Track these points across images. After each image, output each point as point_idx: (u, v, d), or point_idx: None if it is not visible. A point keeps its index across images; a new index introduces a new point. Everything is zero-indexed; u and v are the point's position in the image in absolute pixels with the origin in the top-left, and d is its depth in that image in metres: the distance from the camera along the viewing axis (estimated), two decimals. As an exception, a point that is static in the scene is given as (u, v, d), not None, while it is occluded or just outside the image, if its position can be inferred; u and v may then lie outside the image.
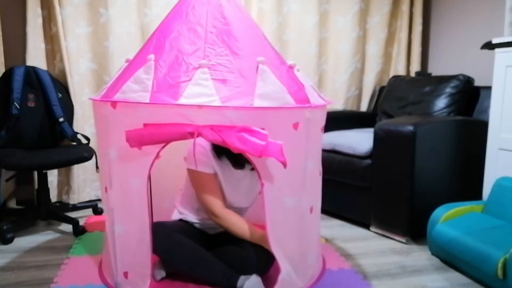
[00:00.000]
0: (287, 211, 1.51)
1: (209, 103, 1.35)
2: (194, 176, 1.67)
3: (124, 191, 1.52)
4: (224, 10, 1.59)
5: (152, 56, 1.47)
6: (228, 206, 1.71)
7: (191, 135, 1.35)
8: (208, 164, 1.65)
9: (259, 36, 1.66)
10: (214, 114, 1.36)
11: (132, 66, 1.54)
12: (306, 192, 1.57)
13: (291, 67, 1.60)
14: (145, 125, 1.38)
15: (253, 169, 1.66)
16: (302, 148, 1.53)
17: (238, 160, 1.67)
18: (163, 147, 1.45)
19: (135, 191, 1.50)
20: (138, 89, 1.42)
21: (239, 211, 1.77)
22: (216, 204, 1.63)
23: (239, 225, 1.61)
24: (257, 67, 1.47)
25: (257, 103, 1.39)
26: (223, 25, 1.56)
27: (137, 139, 1.38)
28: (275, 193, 1.48)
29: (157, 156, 1.45)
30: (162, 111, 1.37)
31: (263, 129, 1.36)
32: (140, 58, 1.54)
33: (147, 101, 1.37)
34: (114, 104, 1.44)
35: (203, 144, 1.64)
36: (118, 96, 1.45)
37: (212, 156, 1.66)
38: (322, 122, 1.67)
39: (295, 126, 1.47)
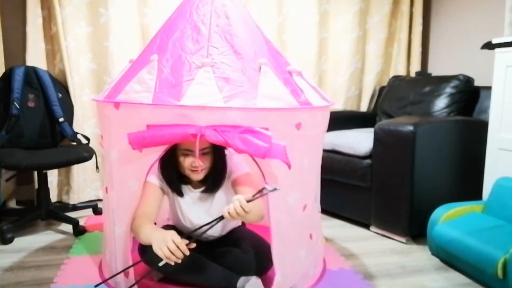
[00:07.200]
0: (290, 209, 1.51)
1: (212, 103, 1.35)
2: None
3: (124, 192, 1.51)
4: (228, 10, 1.58)
5: (155, 56, 1.46)
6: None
7: (194, 136, 1.33)
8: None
9: (261, 38, 1.65)
10: (217, 114, 1.35)
11: (135, 66, 1.53)
12: (303, 190, 1.58)
13: (290, 73, 1.58)
14: (148, 126, 1.37)
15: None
16: (305, 148, 1.53)
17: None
18: (165, 149, 1.45)
19: (133, 192, 1.50)
20: (140, 89, 1.41)
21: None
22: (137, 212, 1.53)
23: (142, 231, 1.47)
24: (260, 68, 1.47)
25: (261, 103, 1.38)
26: (227, 24, 1.55)
27: (139, 141, 1.36)
28: (279, 192, 1.48)
29: (158, 159, 1.44)
30: (164, 112, 1.36)
31: (267, 129, 1.35)
32: (143, 58, 1.54)
33: (150, 101, 1.37)
34: (117, 104, 1.43)
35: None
36: (121, 97, 1.44)
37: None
38: (324, 123, 1.66)
39: (298, 126, 1.46)
